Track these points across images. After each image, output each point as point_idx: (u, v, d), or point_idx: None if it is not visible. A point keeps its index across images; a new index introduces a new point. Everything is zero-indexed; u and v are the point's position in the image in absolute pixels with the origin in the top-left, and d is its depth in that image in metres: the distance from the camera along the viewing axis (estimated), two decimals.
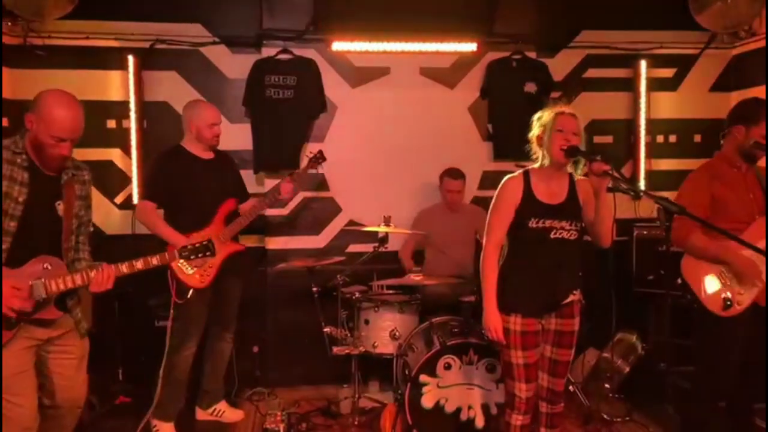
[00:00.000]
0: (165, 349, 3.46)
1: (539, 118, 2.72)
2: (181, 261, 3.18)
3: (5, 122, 4.09)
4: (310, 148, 4.44)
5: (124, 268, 2.46)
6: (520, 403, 2.68)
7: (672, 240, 2.84)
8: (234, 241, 3.60)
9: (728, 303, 2.73)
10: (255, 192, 4.15)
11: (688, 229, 2.71)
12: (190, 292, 3.37)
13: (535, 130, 2.71)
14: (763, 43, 4.49)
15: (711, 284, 2.78)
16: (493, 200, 2.71)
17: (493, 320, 2.63)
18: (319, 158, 3.92)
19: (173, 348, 3.46)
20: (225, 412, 3.82)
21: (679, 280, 2.83)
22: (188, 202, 3.48)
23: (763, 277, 2.72)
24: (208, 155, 3.62)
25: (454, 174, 4.18)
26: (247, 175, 4.29)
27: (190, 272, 3.39)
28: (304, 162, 3.98)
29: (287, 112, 4.33)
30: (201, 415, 3.80)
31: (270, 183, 4.43)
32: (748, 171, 2.88)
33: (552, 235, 2.60)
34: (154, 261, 2.52)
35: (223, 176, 3.65)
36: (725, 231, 2.43)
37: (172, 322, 3.44)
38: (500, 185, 2.71)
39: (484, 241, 2.72)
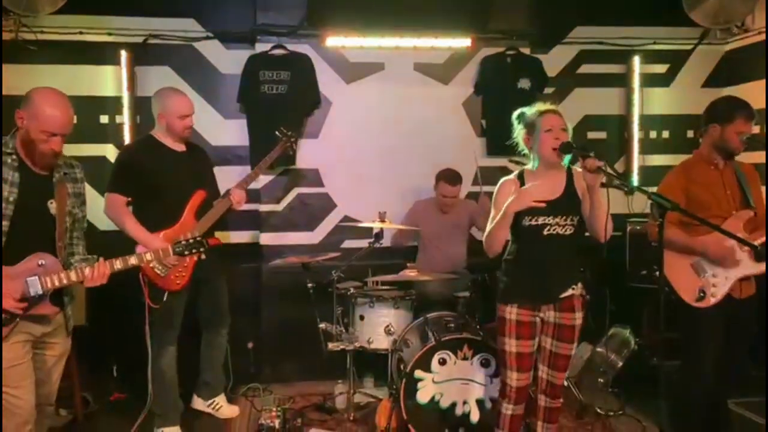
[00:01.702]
0: (148, 356, 3.23)
1: (520, 118, 2.77)
2: (153, 263, 3.15)
3: None
4: (306, 144, 4.47)
5: (118, 263, 2.46)
6: (510, 392, 2.75)
7: (649, 235, 2.90)
8: (208, 236, 3.33)
9: (701, 294, 2.81)
10: (251, 188, 4.13)
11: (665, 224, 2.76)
12: (165, 295, 3.26)
13: (519, 131, 2.76)
14: (755, 39, 4.52)
15: (686, 276, 2.85)
16: (492, 200, 2.78)
17: (521, 197, 2.57)
18: (291, 137, 3.81)
19: (155, 354, 3.30)
20: (222, 407, 3.81)
21: (657, 273, 2.88)
22: (157, 196, 3.31)
23: (739, 261, 2.80)
24: (180, 147, 3.45)
25: (451, 180, 4.07)
26: (244, 171, 4.28)
27: (163, 275, 3.27)
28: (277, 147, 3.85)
29: (281, 107, 4.32)
30: (198, 404, 3.79)
31: (265, 179, 4.43)
32: (726, 167, 2.94)
33: (545, 232, 2.65)
34: (148, 257, 2.53)
35: (195, 170, 3.47)
36: (715, 225, 2.47)
37: (149, 327, 3.19)
38: (497, 186, 2.77)
39: (485, 235, 2.75)
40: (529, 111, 2.73)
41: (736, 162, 2.97)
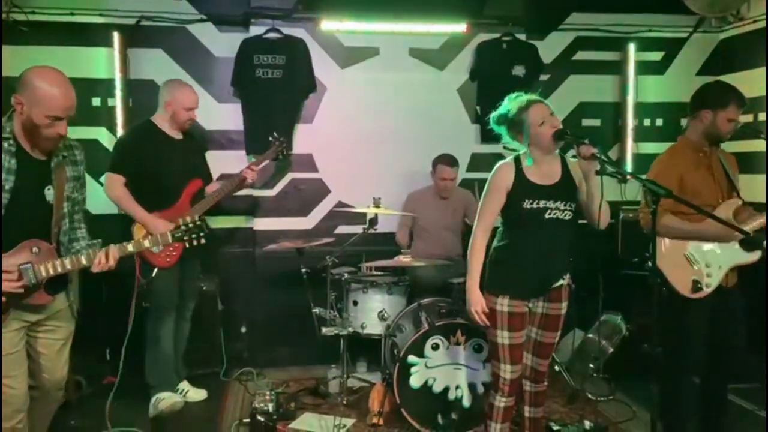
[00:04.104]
0: (146, 332, 3.49)
1: (500, 120, 2.70)
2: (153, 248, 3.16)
3: None
4: (300, 129, 4.44)
5: (129, 247, 2.43)
6: (504, 385, 2.73)
7: (642, 224, 2.89)
8: None
9: (698, 286, 2.81)
10: None
11: (660, 212, 2.76)
12: (155, 270, 3.39)
13: (507, 131, 2.70)
14: (751, 27, 4.53)
15: (680, 267, 2.84)
16: (486, 186, 2.71)
17: (475, 302, 2.67)
18: (282, 142, 3.95)
19: (152, 327, 3.53)
20: (189, 391, 3.83)
21: (649, 263, 2.89)
22: (154, 180, 3.48)
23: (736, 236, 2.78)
24: (178, 135, 3.63)
25: (449, 161, 4.10)
26: (239, 156, 4.27)
27: (156, 251, 3.41)
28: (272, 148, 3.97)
29: (277, 92, 4.30)
30: None
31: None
32: (712, 154, 2.93)
33: (546, 216, 2.61)
34: (146, 243, 2.47)
35: (191, 157, 3.66)
36: (705, 210, 2.49)
37: (143, 302, 3.39)
38: (493, 171, 2.71)
39: (474, 226, 2.73)
40: (508, 111, 2.66)
41: (720, 149, 2.97)
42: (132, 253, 2.45)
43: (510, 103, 2.68)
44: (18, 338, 2.35)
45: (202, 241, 2.56)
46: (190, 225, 2.50)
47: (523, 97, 2.66)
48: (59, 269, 2.32)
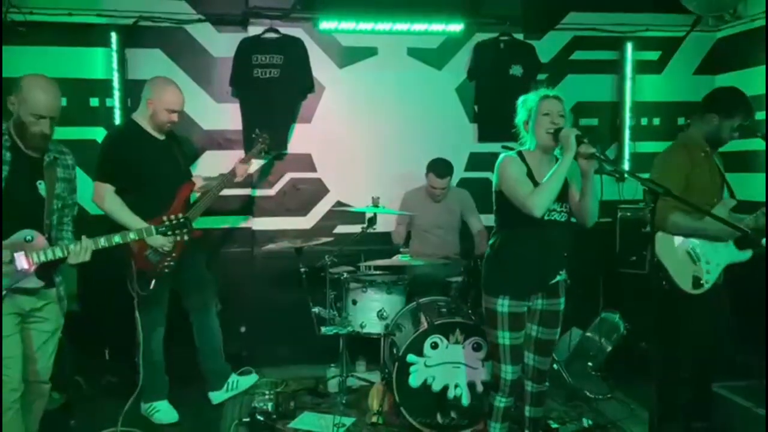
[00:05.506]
0: (139, 339, 3.36)
1: (524, 102, 2.73)
2: (148, 250, 3.27)
3: None
4: (299, 129, 4.45)
5: (102, 241, 2.56)
6: (505, 386, 2.74)
7: (658, 218, 2.92)
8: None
9: (699, 282, 2.82)
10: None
11: (668, 209, 2.80)
12: (153, 282, 3.31)
13: (521, 115, 2.73)
14: (747, 26, 4.54)
15: (682, 262, 2.87)
16: (504, 178, 2.64)
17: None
18: (265, 139, 3.92)
19: (147, 335, 3.43)
20: (240, 381, 3.84)
21: (655, 258, 2.92)
22: (146, 186, 3.37)
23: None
24: (161, 135, 3.51)
25: (440, 172, 4.04)
26: (237, 156, 4.25)
27: (153, 261, 3.35)
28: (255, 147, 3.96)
29: (275, 92, 4.30)
30: (219, 397, 3.78)
31: (257, 163, 4.40)
32: (711, 155, 2.97)
33: (546, 217, 2.61)
34: (132, 235, 2.62)
35: (176, 158, 3.57)
36: (707, 210, 2.51)
37: (137, 311, 3.27)
38: (502, 164, 2.67)
39: (523, 200, 2.56)
40: (534, 94, 2.69)
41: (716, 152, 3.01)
42: (118, 243, 2.58)
43: (540, 91, 2.71)
44: (13, 323, 2.50)
45: (186, 237, 2.69)
46: (174, 221, 2.64)
47: (549, 90, 2.70)
48: (50, 256, 2.48)
